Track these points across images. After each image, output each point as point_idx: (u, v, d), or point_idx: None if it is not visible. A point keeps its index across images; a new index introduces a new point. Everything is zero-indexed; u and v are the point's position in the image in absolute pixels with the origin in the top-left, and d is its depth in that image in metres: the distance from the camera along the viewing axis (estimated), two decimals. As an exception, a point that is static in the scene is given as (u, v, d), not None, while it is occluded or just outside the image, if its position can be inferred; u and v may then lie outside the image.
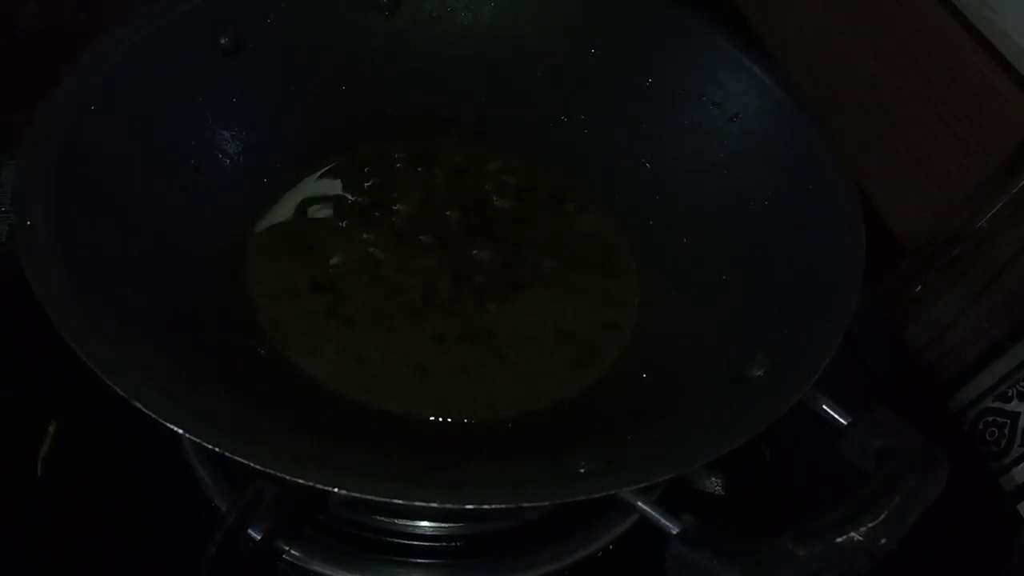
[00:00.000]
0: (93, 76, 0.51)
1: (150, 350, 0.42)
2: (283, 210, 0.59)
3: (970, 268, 0.67)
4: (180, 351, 0.46)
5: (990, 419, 0.65)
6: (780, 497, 0.58)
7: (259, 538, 0.45)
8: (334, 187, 0.61)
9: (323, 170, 0.61)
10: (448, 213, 0.60)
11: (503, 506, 0.37)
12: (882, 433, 0.44)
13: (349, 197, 0.60)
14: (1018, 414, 0.63)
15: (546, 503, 0.38)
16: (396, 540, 0.52)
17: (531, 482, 0.39)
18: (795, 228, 0.54)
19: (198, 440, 0.36)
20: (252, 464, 0.36)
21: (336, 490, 0.36)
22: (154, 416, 0.36)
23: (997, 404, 0.65)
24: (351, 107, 0.64)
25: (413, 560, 0.52)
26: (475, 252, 0.57)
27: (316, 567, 0.49)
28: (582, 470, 0.40)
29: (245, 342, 0.51)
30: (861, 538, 0.38)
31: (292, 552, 0.49)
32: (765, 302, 0.52)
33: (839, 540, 0.38)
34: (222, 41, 0.58)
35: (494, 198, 0.61)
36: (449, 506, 0.36)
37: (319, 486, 0.36)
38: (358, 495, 0.36)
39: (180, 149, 0.55)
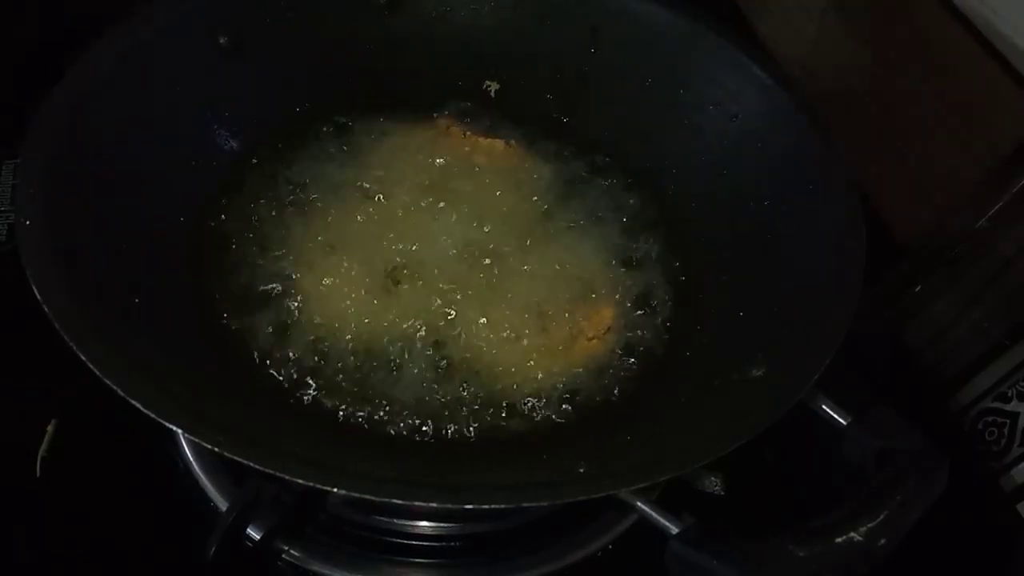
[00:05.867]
0: (94, 76, 0.51)
1: (149, 350, 0.42)
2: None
3: (970, 268, 0.67)
4: (179, 351, 0.46)
5: (990, 419, 0.65)
6: (780, 497, 0.58)
7: (259, 538, 0.45)
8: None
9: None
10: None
11: (503, 506, 0.37)
12: (882, 433, 0.44)
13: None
14: (1018, 414, 0.63)
15: (546, 503, 0.38)
16: (396, 540, 0.52)
17: (531, 482, 0.40)
18: (795, 228, 0.54)
19: (198, 440, 0.36)
20: (252, 464, 0.36)
21: (335, 490, 0.36)
22: (154, 416, 0.36)
23: (997, 404, 0.65)
24: (350, 105, 0.64)
25: (413, 560, 0.52)
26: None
27: (316, 567, 0.49)
28: (582, 470, 0.40)
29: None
30: (861, 538, 0.38)
31: (292, 552, 0.49)
32: (765, 302, 0.52)
33: (839, 540, 0.38)
34: (222, 41, 0.59)
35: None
36: (449, 506, 0.36)
37: (319, 486, 0.36)
38: (358, 495, 0.36)
39: (180, 148, 0.55)
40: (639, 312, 0.56)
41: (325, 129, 0.63)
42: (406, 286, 0.54)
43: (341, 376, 0.50)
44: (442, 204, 0.59)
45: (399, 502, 0.36)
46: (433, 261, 0.56)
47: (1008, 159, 0.63)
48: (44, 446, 0.53)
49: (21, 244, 0.42)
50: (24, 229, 0.42)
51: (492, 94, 0.68)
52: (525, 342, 0.53)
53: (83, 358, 0.38)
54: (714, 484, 0.54)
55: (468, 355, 0.52)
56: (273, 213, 0.58)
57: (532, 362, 0.52)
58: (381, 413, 0.49)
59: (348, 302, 0.53)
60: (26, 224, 0.42)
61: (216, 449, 0.36)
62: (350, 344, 0.52)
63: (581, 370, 0.53)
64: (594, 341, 0.54)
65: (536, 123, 0.66)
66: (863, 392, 0.62)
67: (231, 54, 0.59)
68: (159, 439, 0.53)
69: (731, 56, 0.61)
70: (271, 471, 0.36)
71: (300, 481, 0.35)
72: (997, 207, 0.64)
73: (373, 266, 0.55)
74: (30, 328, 0.39)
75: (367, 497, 0.36)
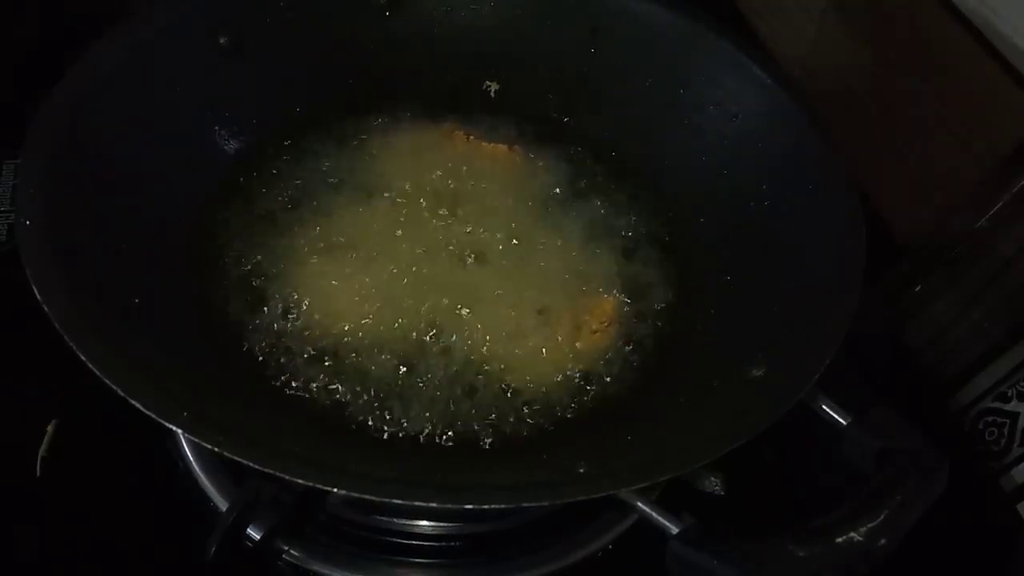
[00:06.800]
0: (94, 76, 0.51)
1: (149, 350, 0.42)
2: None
3: (970, 268, 0.67)
4: (179, 351, 0.46)
5: (990, 419, 0.65)
6: (780, 497, 0.58)
7: (259, 538, 0.45)
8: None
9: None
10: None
11: (503, 506, 0.37)
12: (882, 433, 0.44)
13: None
14: (1018, 414, 0.63)
15: (546, 503, 0.38)
16: (396, 540, 0.52)
17: (531, 482, 0.40)
18: (795, 228, 0.54)
19: (198, 440, 0.36)
20: (252, 464, 0.36)
21: (335, 490, 0.36)
22: (154, 416, 0.36)
23: (997, 404, 0.64)
24: (350, 105, 0.64)
25: (413, 560, 0.52)
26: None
27: (316, 567, 0.49)
28: (582, 470, 0.40)
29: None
30: (861, 538, 0.38)
31: (292, 552, 0.49)
32: (766, 302, 0.52)
33: (839, 540, 0.38)
34: (222, 41, 0.59)
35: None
36: (449, 506, 0.36)
37: (319, 486, 0.36)
38: (358, 495, 0.36)
39: (180, 148, 0.55)
40: (639, 313, 0.56)
41: (325, 129, 0.63)
42: (407, 287, 0.54)
43: (342, 376, 0.50)
44: (443, 204, 0.59)
45: (399, 502, 0.36)
46: (434, 261, 0.56)
47: (1008, 159, 0.63)
48: (44, 446, 0.53)
49: (21, 244, 0.42)
50: (24, 229, 0.42)
51: (492, 94, 0.68)
52: (527, 342, 0.53)
53: (83, 358, 0.37)
54: (714, 484, 0.54)
55: (469, 356, 0.52)
56: (273, 213, 0.58)
57: (533, 361, 0.52)
58: (381, 413, 0.49)
59: (349, 303, 0.53)
60: (26, 224, 0.42)
61: (216, 449, 0.36)
62: (350, 344, 0.52)
63: (582, 369, 0.53)
64: (595, 337, 0.54)
65: (536, 123, 0.66)
66: (863, 392, 0.62)
67: (231, 54, 0.59)
68: (159, 439, 0.53)
69: (731, 56, 0.61)
70: (271, 471, 0.36)
71: (300, 481, 0.35)
72: (997, 207, 0.64)
73: (374, 267, 0.55)
74: (30, 328, 0.39)
75: (367, 497, 0.36)
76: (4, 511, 0.51)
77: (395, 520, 0.51)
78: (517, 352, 0.53)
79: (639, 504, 0.40)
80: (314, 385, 0.50)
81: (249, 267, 0.54)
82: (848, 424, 0.45)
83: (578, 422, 0.51)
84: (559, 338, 0.54)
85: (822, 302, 0.47)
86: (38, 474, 0.52)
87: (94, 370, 0.37)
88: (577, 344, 0.54)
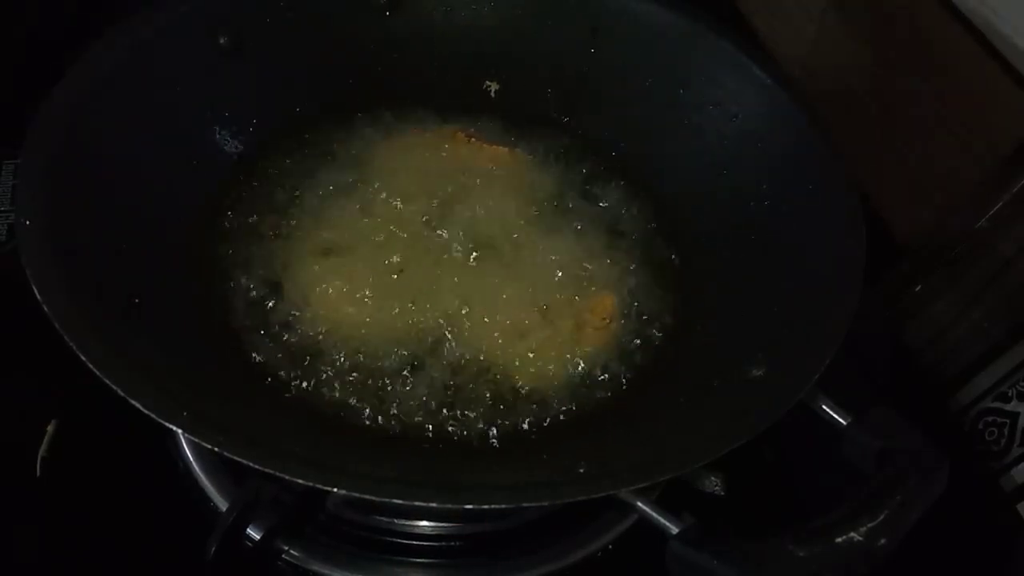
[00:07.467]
0: (94, 76, 0.51)
1: (149, 350, 0.42)
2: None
3: (970, 268, 0.67)
4: (179, 351, 0.46)
5: (990, 419, 0.65)
6: (780, 497, 0.58)
7: (259, 538, 0.45)
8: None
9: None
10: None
11: (503, 506, 0.37)
12: (882, 433, 0.44)
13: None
14: (1018, 414, 0.63)
15: (546, 503, 0.38)
16: (396, 540, 0.52)
17: (531, 482, 0.40)
18: (795, 228, 0.54)
19: (198, 440, 0.36)
20: (252, 464, 0.36)
21: (335, 490, 0.36)
22: (154, 416, 0.36)
23: (997, 404, 0.64)
24: (350, 105, 0.64)
25: (413, 560, 0.52)
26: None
27: (316, 567, 0.49)
28: (582, 471, 0.40)
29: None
30: (861, 538, 0.38)
31: (292, 552, 0.49)
32: (766, 302, 0.52)
33: (839, 540, 0.38)
34: (222, 41, 0.59)
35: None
36: (449, 506, 0.36)
37: (319, 486, 0.36)
38: (358, 495, 0.36)
39: (180, 148, 0.55)
40: (640, 312, 0.56)
41: (325, 129, 0.63)
42: (407, 287, 0.54)
43: (341, 376, 0.50)
44: (443, 204, 0.59)
45: (399, 502, 0.36)
46: (434, 260, 0.56)
47: (1008, 159, 0.63)
48: (44, 446, 0.53)
49: (21, 244, 0.42)
50: (24, 229, 0.42)
51: (492, 94, 0.68)
52: (527, 341, 0.53)
53: (83, 358, 0.38)
54: (714, 484, 0.54)
55: (469, 356, 0.52)
56: (273, 213, 0.58)
57: (533, 361, 0.52)
58: (381, 413, 0.49)
59: (348, 303, 0.53)
60: (26, 224, 0.42)
61: (216, 449, 0.36)
62: (351, 344, 0.52)
63: (582, 368, 0.53)
64: (596, 336, 0.54)
65: (536, 123, 0.66)
66: (863, 392, 0.62)
67: (231, 54, 0.59)
68: (159, 439, 0.53)
69: (731, 56, 0.61)
70: (271, 471, 0.36)
71: (300, 481, 0.35)
72: (997, 207, 0.64)
73: (374, 267, 0.55)
74: (30, 328, 0.39)
75: (367, 497, 0.36)
76: (4, 511, 0.51)
77: (395, 520, 0.51)
78: (518, 352, 0.53)
79: (639, 504, 0.40)
80: (314, 385, 0.50)
81: (249, 267, 0.54)
82: (848, 424, 0.45)
83: (578, 422, 0.51)
84: (560, 338, 0.54)
85: (822, 302, 0.47)
86: (38, 474, 0.52)
87: (94, 370, 0.37)
88: (578, 343, 0.54)
